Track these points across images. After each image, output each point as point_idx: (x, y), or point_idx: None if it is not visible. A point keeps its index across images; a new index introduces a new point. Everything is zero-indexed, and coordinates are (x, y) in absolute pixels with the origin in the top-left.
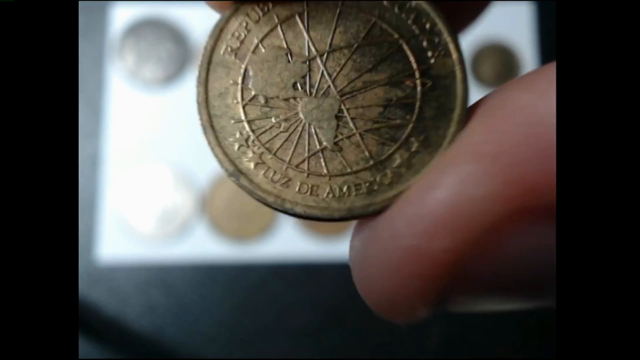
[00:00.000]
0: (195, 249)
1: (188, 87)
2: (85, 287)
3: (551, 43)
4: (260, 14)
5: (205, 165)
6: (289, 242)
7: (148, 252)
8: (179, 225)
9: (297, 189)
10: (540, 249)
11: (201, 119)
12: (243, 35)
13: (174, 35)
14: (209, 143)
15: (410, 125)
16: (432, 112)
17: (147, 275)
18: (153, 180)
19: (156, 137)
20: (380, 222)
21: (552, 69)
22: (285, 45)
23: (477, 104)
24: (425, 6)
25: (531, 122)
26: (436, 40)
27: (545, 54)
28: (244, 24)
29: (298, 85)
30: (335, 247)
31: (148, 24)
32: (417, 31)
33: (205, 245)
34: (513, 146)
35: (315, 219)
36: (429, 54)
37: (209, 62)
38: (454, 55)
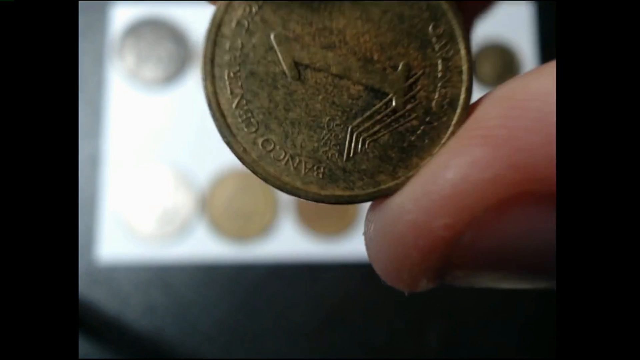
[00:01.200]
0: (195, 249)
1: (188, 87)
2: (85, 287)
3: (551, 43)
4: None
5: (205, 165)
6: (289, 242)
7: (148, 252)
8: (179, 225)
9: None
10: (540, 232)
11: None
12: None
13: (174, 35)
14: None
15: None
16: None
17: (147, 275)
18: (153, 180)
19: (156, 137)
20: (391, 198)
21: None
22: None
23: (488, 94)
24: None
25: (544, 110)
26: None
27: (545, 54)
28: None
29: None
30: (335, 247)
31: (148, 24)
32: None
33: (205, 245)
34: (524, 132)
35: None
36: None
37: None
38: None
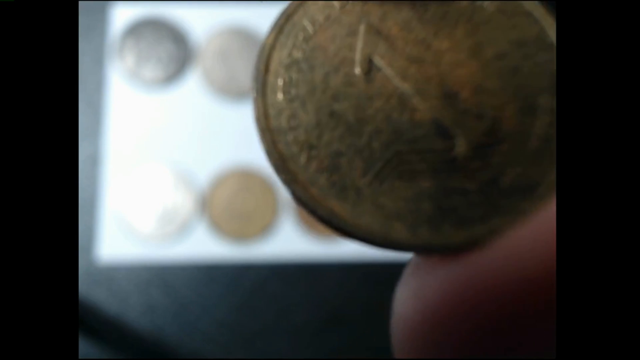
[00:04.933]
0: (195, 249)
1: (188, 87)
2: (85, 287)
3: None
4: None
5: (205, 165)
6: (289, 242)
7: (148, 252)
8: (179, 225)
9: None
10: None
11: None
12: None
13: (174, 35)
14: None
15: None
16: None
17: (147, 275)
18: (153, 180)
19: (156, 137)
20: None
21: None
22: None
23: None
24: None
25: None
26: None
27: None
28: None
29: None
30: (335, 247)
31: (148, 24)
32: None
33: (205, 245)
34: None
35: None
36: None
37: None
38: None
